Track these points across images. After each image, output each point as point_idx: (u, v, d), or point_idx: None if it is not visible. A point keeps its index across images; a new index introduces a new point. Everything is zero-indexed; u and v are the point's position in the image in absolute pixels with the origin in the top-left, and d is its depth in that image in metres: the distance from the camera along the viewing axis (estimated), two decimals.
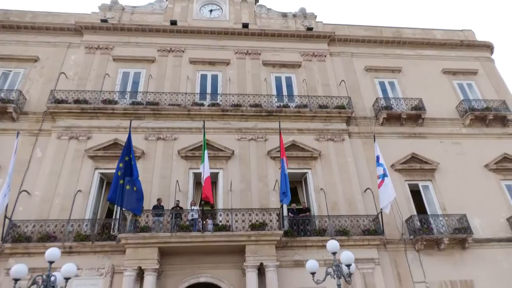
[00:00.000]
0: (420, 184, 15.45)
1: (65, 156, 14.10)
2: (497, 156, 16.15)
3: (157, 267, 11.55)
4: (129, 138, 12.57)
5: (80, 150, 14.30)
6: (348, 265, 8.41)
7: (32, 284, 7.90)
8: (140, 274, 11.63)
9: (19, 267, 7.64)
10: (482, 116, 17.01)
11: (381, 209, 13.24)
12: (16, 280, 7.61)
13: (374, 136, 14.78)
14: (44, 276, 7.79)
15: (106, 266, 11.97)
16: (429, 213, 14.64)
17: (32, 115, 15.06)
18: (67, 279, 8.03)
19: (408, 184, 15.33)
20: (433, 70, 19.14)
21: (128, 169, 12.12)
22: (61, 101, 14.99)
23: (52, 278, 7.87)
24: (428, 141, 16.45)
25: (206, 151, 12.63)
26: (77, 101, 15.06)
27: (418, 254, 13.57)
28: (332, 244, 8.80)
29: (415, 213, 14.44)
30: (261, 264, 11.86)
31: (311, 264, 8.98)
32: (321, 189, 14.48)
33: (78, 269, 10.00)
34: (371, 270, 12.62)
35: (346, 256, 8.44)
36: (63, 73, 16.40)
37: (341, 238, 12.34)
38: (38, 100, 15.50)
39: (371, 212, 13.93)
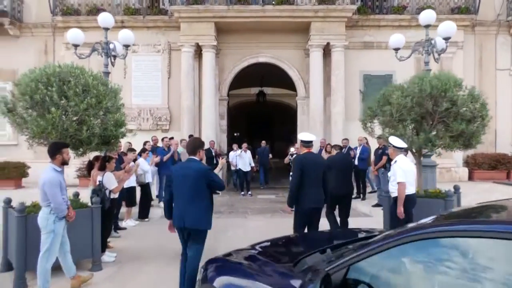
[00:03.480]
0: None
1: None
2: None
3: (215, 43, 10.81)
4: None
5: None
6: (447, 38, 7.02)
7: (93, 51, 7.59)
8: (198, 51, 11.08)
9: (74, 32, 7.18)
10: None
11: None
12: (75, 46, 7.28)
13: None
14: (103, 44, 7.44)
15: (162, 42, 11.43)
16: None
17: None
18: (126, 46, 7.63)
19: None
20: None
21: None
22: None
23: (111, 46, 7.47)
24: None
25: None
26: None
27: (511, 39, 11.63)
28: (427, 13, 7.26)
29: None
30: (327, 44, 10.71)
31: (396, 38, 7.65)
32: None
33: (134, 44, 9.62)
34: (452, 54, 11.12)
35: (446, 26, 6.96)
36: None
37: None
38: None
39: None
